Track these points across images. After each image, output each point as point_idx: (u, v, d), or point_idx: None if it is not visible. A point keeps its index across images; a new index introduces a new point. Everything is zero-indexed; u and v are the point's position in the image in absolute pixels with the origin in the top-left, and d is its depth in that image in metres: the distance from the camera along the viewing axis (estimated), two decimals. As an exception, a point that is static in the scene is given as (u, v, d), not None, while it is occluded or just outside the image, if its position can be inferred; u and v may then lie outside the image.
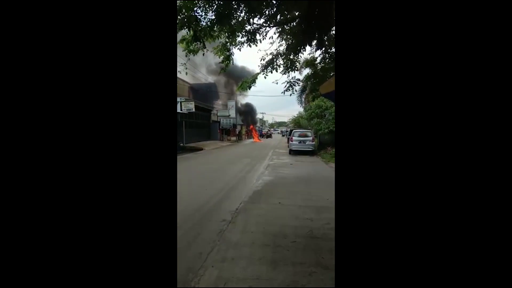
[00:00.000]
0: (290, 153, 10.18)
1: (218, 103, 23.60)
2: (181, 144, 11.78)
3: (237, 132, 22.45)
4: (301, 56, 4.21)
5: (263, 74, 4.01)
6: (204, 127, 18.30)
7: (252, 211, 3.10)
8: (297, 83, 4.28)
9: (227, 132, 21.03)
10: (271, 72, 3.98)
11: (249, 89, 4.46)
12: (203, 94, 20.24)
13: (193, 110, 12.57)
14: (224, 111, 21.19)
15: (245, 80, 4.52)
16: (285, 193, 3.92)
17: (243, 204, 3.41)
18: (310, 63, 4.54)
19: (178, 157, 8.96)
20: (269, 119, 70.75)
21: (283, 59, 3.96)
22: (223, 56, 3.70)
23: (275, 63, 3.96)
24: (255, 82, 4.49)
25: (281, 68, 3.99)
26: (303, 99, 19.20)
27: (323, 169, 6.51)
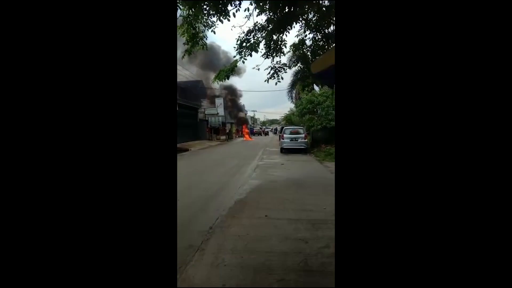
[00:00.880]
0: (281, 151, 9.62)
1: (207, 102, 22.73)
2: (165, 145, 10.92)
3: (227, 131, 21.65)
4: (286, 37, 3.54)
5: (240, 57, 3.32)
6: (191, 126, 17.44)
7: (230, 230, 2.43)
8: (283, 68, 3.60)
9: (216, 131, 20.21)
10: (250, 55, 3.30)
11: (227, 78, 3.76)
12: (190, 92, 19.31)
13: (177, 107, 11.69)
14: (212, 109, 20.35)
15: (222, 69, 3.81)
16: (274, 202, 3.27)
17: (220, 219, 2.73)
18: (297, 46, 3.83)
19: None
20: (261, 117, 70.19)
21: (264, 39, 3.28)
22: (186, 36, 2.99)
23: (253, 40, 3.25)
24: (234, 71, 3.79)
25: (263, 50, 3.31)
26: (293, 95, 18.70)
27: (318, 169, 5.90)
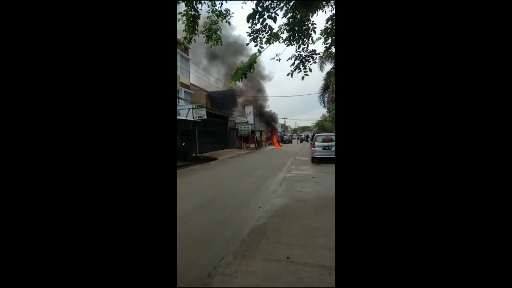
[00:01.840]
0: (313, 161, 8.66)
1: (239, 110, 22.84)
2: (194, 154, 10.92)
3: (256, 139, 21.24)
4: (315, 18, 2.78)
5: (255, 44, 2.68)
6: (221, 135, 17.45)
7: (233, 281, 1.73)
8: (312, 57, 2.82)
9: (246, 140, 19.95)
10: (270, 42, 2.63)
11: (245, 77, 3.15)
12: (221, 101, 19.58)
13: (205, 117, 11.72)
14: (242, 117, 20.25)
15: (240, 67, 3.22)
16: (300, 234, 2.47)
17: (225, 259, 2.05)
18: (330, 32, 3.01)
19: (183, 169, 8.02)
20: (292, 124, 68.71)
21: (284, 16, 2.58)
22: (186, 22, 2.49)
23: (267, 21, 2.53)
24: (252, 68, 3.17)
25: (285, 35, 2.61)
26: (325, 99, 17.37)
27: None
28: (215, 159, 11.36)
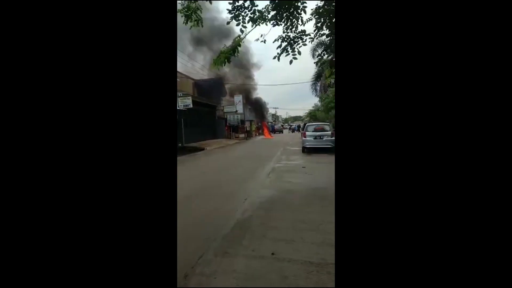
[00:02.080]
0: (303, 151, 8.56)
1: (227, 99, 22.26)
2: (179, 145, 10.58)
3: (246, 129, 20.99)
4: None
5: (237, 23, 2.42)
6: (209, 124, 17.06)
7: (213, 282, 1.58)
8: (301, 38, 2.59)
9: (235, 129, 19.63)
10: (255, 22, 2.38)
11: (228, 61, 2.90)
12: (209, 89, 18.96)
13: (191, 105, 11.29)
14: (231, 106, 19.79)
15: (223, 50, 2.96)
16: (287, 228, 2.35)
17: (205, 257, 1.90)
18: (323, 12, 2.75)
19: (168, 160, 7.70)
20: (283, 114, 68.59)
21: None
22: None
23: None
24: (237, 52, 2.92)
25: (271, 14, 2.36)
26: (318, 88, 17.23)
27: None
28: (202, 149, 11.08)
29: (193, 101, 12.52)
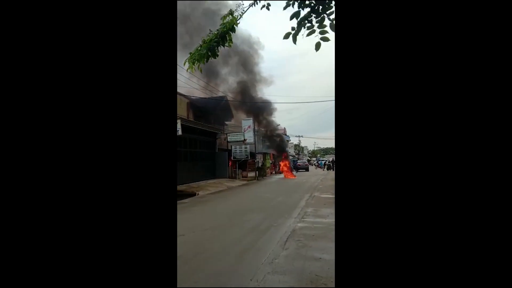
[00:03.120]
0: (339, 201, 7.58)
1: (233, 125, 22.23)
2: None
3: (257, 165, 20.28)
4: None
5: None
6: (207, 159, 16.65)
7: None
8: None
9: (243, 166, 19.00)
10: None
11: (213, 56, 2.34)
12: (209, 112, 19.05)
13: (180, 132, 10.98)
14: (237, 134, 19.49)
15: (204, 39, 2.43)
16: None
17: None
18: None
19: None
20: (309, 144, 67.95)
21: None
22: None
23: None
24: (228, 40, 2.38)
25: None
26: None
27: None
28: (192, 194, 10.57)
29: (184, 127, 12.30)
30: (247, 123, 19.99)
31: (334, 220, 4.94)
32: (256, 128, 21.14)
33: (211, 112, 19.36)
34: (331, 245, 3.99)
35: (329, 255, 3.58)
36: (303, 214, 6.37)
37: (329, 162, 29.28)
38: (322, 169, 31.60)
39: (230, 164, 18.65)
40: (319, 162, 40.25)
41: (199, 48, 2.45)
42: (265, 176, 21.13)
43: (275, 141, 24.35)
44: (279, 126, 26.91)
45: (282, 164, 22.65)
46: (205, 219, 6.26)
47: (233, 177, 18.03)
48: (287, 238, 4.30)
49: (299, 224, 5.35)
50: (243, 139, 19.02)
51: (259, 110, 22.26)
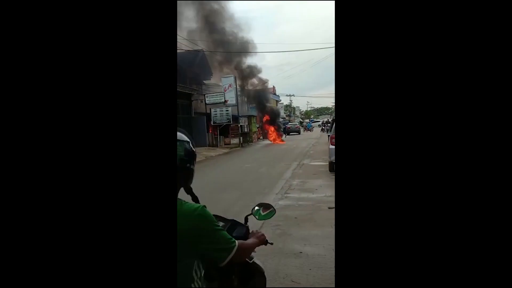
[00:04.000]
0: (332, 169, 7.28)
1: (212, 84, 20.97)
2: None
3: (242, 130, 19.54)
4: None
5: None
6: (181, 124, 15.74)
7: None
8: None
9: (225, 131, 18.27)
10: None
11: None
12: (184, 68, 17.67)
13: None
14: (216, 94, 18.44)
15: None
16: None
17: None
18: None
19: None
20: (303, 104, 66.89)
21: None
22: None
23: None
24: None
25: None
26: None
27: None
28: None
29: None
30: (228, 81, 18.83)
31: (323, 195, 4.18)
32: (238, 86, 20.00)
33: (186, 69, 18.03)
34: (316, 232, 3.54)
35: (312, 248, 3.08)
36: (287, 188, 5.98)
37: (324, 123, 28.54)
38: (310, 131, 30.78)
39: (210, 130, 17.88)
40: (306, 124, 37.72)
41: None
42: (251, 142, 20.57)
43: (260, 101, 23.29)
44: (266, 84, 25.78)
45: (267, 127, 21.76)
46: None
47: (214, 145, 17.42)
48: (262, 224, 3.74)
49: (280, 202, 4.92)
50: (223, 100, 18.05)
51: (242, 64, 20.92)
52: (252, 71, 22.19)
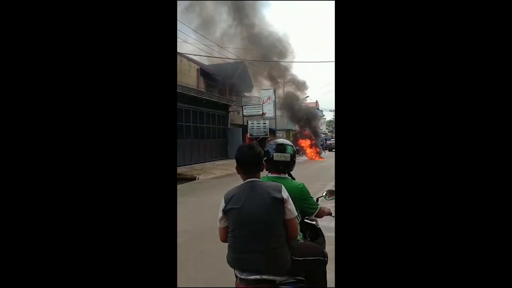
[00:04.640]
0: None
1: (255, 96, 20.90)
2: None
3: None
4: None
5: None
6: (217, 135, 15.71)
7: None
8: None
9: (261, 145, 17.88)
10: None
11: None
12: (223, 80, 17.81)
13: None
14: (254, 107, 18.24)
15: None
16: None
17: None
18: None
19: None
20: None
21: None
22: None
23: None
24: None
25: None
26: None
27: None
28: (192, 179, 10.07)
29: (192, 98, 11.37)
30: (267, 93, 18.69)
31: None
32: (277, 99, 19.64)
33: (227, 81, 18.13)
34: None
35: None
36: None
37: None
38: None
39: (246, 142, 17.65)
40: (325, 141, 28.90)
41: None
42: (288, 157, 19.89)
43: (302, 117, 22.45)
44: (307, 98, 25.13)
45: (302, 142, 20.69)
46: (185, 217, 5.31)
47: (248, 157, 17.08)
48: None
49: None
50: (261, 112, 17.79)
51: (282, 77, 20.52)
52: (298, 86, 21.82)
